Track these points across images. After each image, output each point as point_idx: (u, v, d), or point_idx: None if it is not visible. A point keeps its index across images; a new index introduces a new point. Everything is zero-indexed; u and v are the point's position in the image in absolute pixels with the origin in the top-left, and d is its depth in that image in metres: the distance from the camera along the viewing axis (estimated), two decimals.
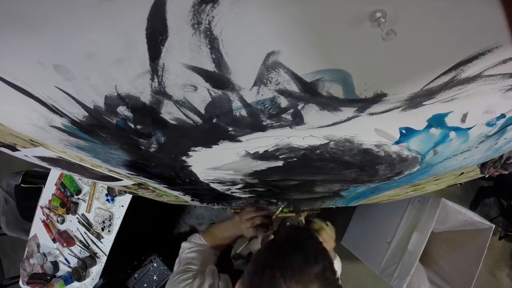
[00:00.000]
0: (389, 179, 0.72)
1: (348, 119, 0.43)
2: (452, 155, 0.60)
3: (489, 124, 0.50)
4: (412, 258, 1.69)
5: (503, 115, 0.48)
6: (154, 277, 1.98)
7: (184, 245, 1.03)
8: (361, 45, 0.31)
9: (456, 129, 0.50)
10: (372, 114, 0.42)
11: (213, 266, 0.93)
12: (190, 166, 0.65)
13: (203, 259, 0.96)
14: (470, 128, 0.50)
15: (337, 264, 1.02)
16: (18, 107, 0.46)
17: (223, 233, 1.04)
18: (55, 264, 1.92)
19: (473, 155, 0.62)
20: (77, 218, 1.85)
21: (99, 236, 1.82)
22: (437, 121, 0.46)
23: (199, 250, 0.99)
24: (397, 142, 0.53)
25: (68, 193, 1.83)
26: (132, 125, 0.47)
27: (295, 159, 0.57)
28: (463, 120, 0.47)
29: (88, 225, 1.83)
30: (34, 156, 0.70)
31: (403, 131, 0.49)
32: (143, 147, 0.55)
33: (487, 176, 0.80)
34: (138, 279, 1.98)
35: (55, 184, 1.88)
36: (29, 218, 2.02)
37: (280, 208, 1.04)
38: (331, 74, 0.35)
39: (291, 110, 0.41)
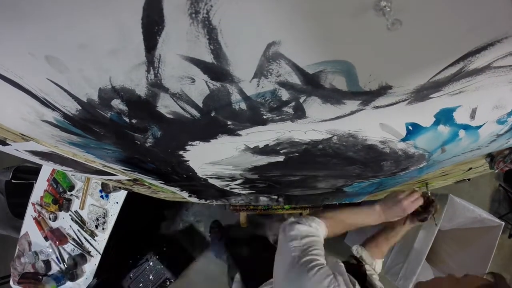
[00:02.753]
0: (394, 175, 0.72)
1: (352, 112, 0.42)
2: (461, 153, 0.59)
3: (500, 122, 0.49)
4: (418, 257, 1.66)
5: None
6: (150, 277, 1.98)
7: (300, 227, 0.76)
8: (365, 35, 0.30)
9: (466, 127, 0.49)
10: (377, 107, 0.41)
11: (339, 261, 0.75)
12: (188, 161, 0.65)
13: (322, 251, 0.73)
14: (480, 127, 0.49)
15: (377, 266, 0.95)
16: (8, 100, 0.45)
17: (352, 221, 0.87)
18: (47, 263, 1.89)
19: (482, 152, 0.62)
20: (70, 215, 1.83)
21: (92, 234, 1.80)
22: (445, 116, 0.46)
23: (318, 241, 0.75)
24: (403, 139, 0.52)
25: (60, 189, 1.80)
26: (127, 119, 0.46)
27: (297, 154, 0.57)
28: (472, 116, 0.46)
29: (81, 223, 1.80)
30: (26, 150, 0.69)
31: (410, 127, 0.48)
32: (138, 142, 0.55)
33: (496, 171, 0.78)
34: (134, 278, 1.98)
35: (47, 180, 1.85)
36: (20, 215, 1.98)
37: None
38: (334, 65, 0.34)
39: (293, 103, 0.40)
